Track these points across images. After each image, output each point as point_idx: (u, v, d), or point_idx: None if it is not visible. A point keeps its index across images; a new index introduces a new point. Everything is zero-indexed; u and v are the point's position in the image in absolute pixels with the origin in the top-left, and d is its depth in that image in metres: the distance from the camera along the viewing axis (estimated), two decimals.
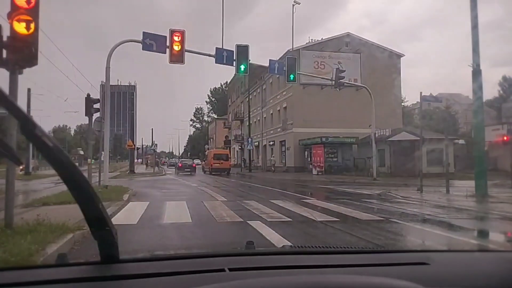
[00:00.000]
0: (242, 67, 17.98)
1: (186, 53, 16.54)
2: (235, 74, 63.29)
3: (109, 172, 38.01)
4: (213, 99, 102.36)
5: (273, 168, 38.54)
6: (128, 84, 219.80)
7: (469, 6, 12.74)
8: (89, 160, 11.82)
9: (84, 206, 1.09)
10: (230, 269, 1.17)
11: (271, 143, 40.11)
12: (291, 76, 19.75)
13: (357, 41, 35.56)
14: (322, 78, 34.54)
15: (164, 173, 36.39)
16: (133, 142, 31.03)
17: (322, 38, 35.89)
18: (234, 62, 17.84)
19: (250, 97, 49.31)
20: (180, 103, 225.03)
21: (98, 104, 11.22)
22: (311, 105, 33.75)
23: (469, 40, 12.59)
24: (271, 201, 11.61)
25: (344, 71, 24.23)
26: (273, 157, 43.72)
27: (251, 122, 49.16)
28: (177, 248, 2.12)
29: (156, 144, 38.92)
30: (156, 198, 12.60)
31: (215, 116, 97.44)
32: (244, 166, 48.36)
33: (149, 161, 50.07)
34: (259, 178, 27.54)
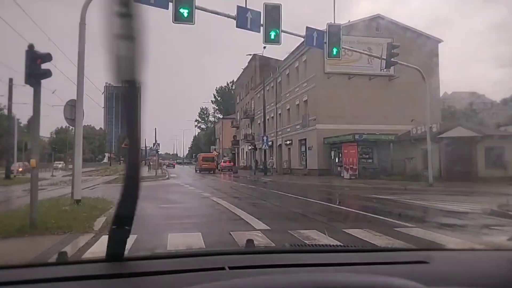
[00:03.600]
0: (273, 34, 12.90)
1: (197, 20, 11.74)
2: (243, 70, 58.41)
3: (106, 175, 32.95)
4: (218, 99, 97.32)
5: (289, 171, 33.44)
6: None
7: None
8: (32, 160, 6.74)
9: (123, 204, 1.14)
10: (230, 268, 1.16)
11: (287, 142, 35.00)
12: (334, 50, 14.62)
13: (388, 25, 30.40)
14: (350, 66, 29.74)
15: (167, 176, 31.34)
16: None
17: (349, 21, 30.75)
18: (261, 28, 12.81)
19: (263, 92, 44.25)
20: (186, 103, 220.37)
21: (48, 63, 6.24)
22: (337, 98, 28.61)
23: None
24: (348, 231, 6.58)
25: (398, 45, 19.01)
26: (272, 159, 38.52)
27: (262, 120, 44.12)
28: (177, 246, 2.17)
29: (159, 144, 33.97)
30: (150, 224, 7.45)
31: (221, 116, 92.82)
32: (256, 168, 43.28)
33: (151, 163, 45.04)
34: (283, 184, 22.46)
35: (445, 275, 1.21)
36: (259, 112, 45.62)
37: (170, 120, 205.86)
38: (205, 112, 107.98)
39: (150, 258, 1.31)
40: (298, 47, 31.59)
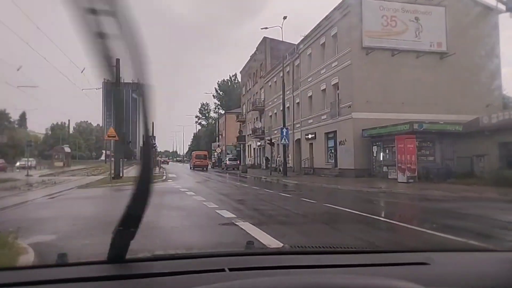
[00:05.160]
0: None
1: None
2: (251, 57, 52.09)
3: (94, 175, 26.81)
4: (221, 93, 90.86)
5: (311, 171, 27.22)
6: (131, 82, 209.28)
7: None
8: None
9: (133, 205, 1.12)
10: (230, 269, 1.14)
11: (309, 136, 28.77)
12: None
13: None
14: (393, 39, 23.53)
15: (164, 177, 25.07)
16: (117, 133, 19.80)
17: None
18: None
19: (275, 80, 38.01)
20: (186, 99, 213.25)
21: None
22: (378, 80, 22.43)
23: None
24: None
25: None
26: (280, 157, 33.24)
27: (275, 112, 37.89)
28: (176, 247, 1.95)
29: (155, 137, 27.65)
30: None
31: (222, 112, 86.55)
32: (267, 167, 37.06)
33: None
34: (320, 190, 16.30)
35: (446, 276, 1.19)
36: (270, 103, 39.42)
37: (169, 117, 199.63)
38: (206, 107, 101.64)
39: (151, 259, 1.26)
40: (327, 17, 25.41)
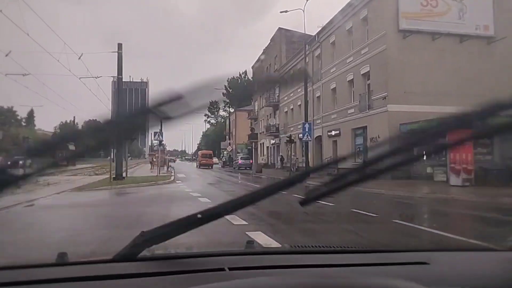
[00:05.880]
0: None
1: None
2: (264, 50, 49.15)
3: (97, 174, 24.13)
4: (230, 90, 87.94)
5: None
6: (140, 81, 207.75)
7: None
8: None
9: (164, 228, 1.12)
10: (230, 269, 1.12)
11: (332, 133, 25.77)
12: None
13: None
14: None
15: (172, 177, 22.24)
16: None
17: None
18: None
19: (292, 72, 34.94)
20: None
21: None
22: (417, 67, 19.36)
23: None
24: None
25: None
26: (294, 155, 30.92)
27: (291, 107, 34.91)
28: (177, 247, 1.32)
29: (162, 133, 24.89)
30: None
31: (231, 110, 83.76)
32: (282, 167, 34.12)
33: (154, 160, 36.09)
34: (362, 196, 13.32)
35: (446, 276, 1.18)
36: (285, 98, 36.47)
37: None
38: (214, 106, 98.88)
39: (150, 259, 1.21)
40: None
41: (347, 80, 23.70)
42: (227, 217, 9.38)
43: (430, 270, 1.20)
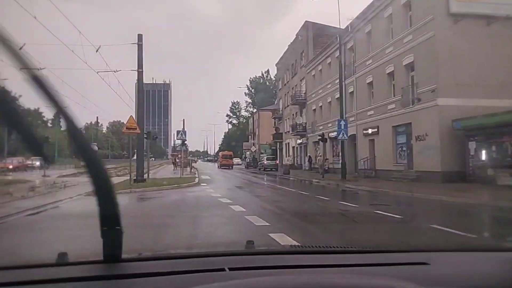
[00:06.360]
0: None
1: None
2: (289, 46, 47.10)
3: (118, 176, 22.90)
4: (252, 90, 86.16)
5: (373, 173, 22.02)
6: (163, 83, 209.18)
7: None
8: None
9: (102, 204, 1.08)
10: (230, 269, 1.12)
11: (368, 131, 23.52)
12: None
13: None
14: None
15: (196, 180, 20.52)
16: (138, 125, 15.33)
17: None
18: None
19: (320, 68, 32.88)
20: (217, 99, 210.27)
21: None
22: (469, 56, 16.96)
23: None
24: None
25: None
26: (320, 156, 29.17)
27: (320, 104, 32.75)
28: (177, 247, 1.67)
29: (185, 132, 23.26)
30: None
31: (253, 110, 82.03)
32: (310, 168, 32.02)
33: (177, 160, 34.71)
34: (428, 206, 11.16)
35: (446, 276, 1.17)
36: (313, 96, 34.35)
37: (200, 117, 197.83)
38: (236, 106, 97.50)
39: (149, 259, 1.23)
40: None
41: (386, 72, 21.42)
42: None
43: (430, 271, 1.18)
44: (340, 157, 22.28)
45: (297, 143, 39.19)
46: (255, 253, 1.40)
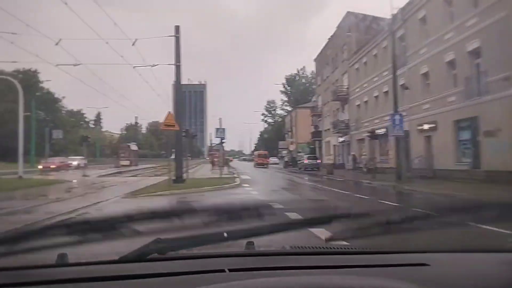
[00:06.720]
0: None
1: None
2: (329, 40, 45.03)
3: (157, 175, 22.30)
4: (288, 88, 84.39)
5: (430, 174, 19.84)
6: (198, 83, 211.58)
7: None
8: None
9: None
10: (230, 270, 1.11)
11: (424, 126, 21.29)
12: None
13: None
14: None
15: (237, 181, 19.27)
16: (175, 122, 14.30)
17: None
18: None
19: (365, 60, 30.80)
20: (251, 98, 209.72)
21: None
22: None
23: None
24: None
25: None
26: (365, 154, 27.81)
27: (365, 100, 30.65)
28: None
29: (223, 129, 22.14)
30: None
31: (289, 109, 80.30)
32: (355, 168, 30.02)
33: (215, 160, 33.88)
34: None
35: (446, 277, 1.16)
36: (357, 90, 32.30)
37: (236, 116, 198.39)
38: (271, 104, 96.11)
39: (148, 260, 1.17)
40: None
41: (445, 61, 19.19)
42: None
43: (430, 272, 1.19)
44: (392, 156, 20.23)
45: (339, 141, 37.20)
46: (255, 253, 1.34)
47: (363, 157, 29.28)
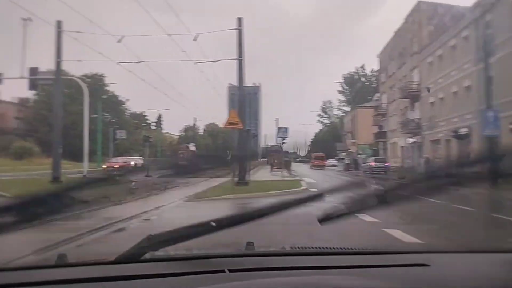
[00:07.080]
0: None
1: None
2: (395, 33, 41.84)
3: (216, 177, 21.75)
4: (346, 87, 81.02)
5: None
6: (252, 85, 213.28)
7: None
8: None
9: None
10: (230, 270, 1.12)
11: None
12: None
13: None
14: None
15: (304, 184, 17.66)
16: (240, 120, 13.26)
17: None
18: None
19: (440, 53, 27.78)
20: (306, 99, 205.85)
21: None
22: None
23: None
24: None
25: None
26: (440, 158, 25.23)
27: (441, 96, 27.62)
28: (176, 248, 1.25)
29: (286, 129, 20.85)
30: None
31: (346, 109, 77.05)
32: (426, 172, 27.03)
33: (275, 161, 32.53)
34: None
35: (446, 278, 1.15)
36: (431, 86, 29.27)
37: (290, 118, 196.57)
38: (328, 105, 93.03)
39: (147, 261, 1.19)
40: None
41: None
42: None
43: (430, 272, 1.18)
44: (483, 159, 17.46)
45: (408, 142, 34.18)
46: (255, 254, 1.36)
47: (438, 160, 26.36)
